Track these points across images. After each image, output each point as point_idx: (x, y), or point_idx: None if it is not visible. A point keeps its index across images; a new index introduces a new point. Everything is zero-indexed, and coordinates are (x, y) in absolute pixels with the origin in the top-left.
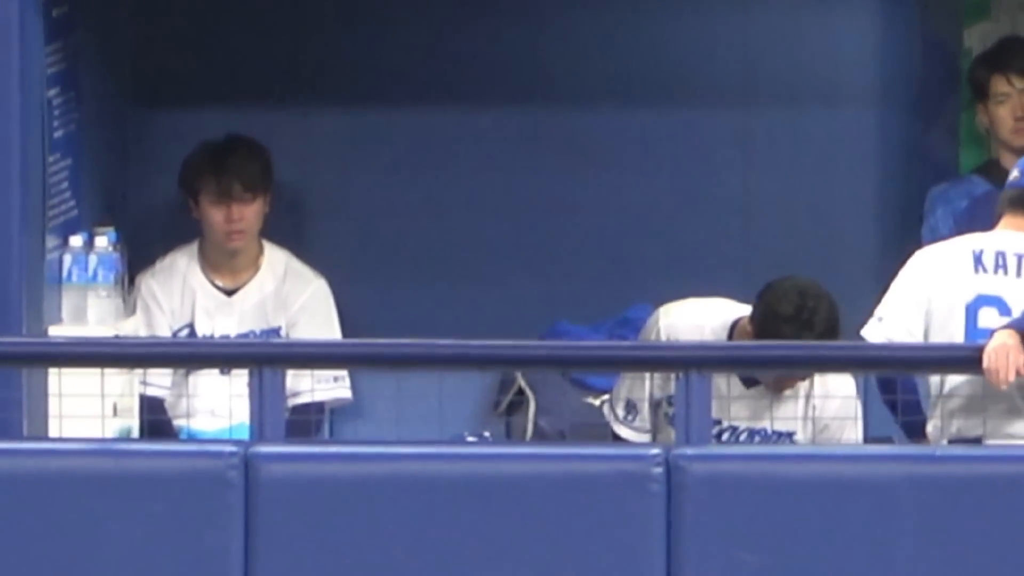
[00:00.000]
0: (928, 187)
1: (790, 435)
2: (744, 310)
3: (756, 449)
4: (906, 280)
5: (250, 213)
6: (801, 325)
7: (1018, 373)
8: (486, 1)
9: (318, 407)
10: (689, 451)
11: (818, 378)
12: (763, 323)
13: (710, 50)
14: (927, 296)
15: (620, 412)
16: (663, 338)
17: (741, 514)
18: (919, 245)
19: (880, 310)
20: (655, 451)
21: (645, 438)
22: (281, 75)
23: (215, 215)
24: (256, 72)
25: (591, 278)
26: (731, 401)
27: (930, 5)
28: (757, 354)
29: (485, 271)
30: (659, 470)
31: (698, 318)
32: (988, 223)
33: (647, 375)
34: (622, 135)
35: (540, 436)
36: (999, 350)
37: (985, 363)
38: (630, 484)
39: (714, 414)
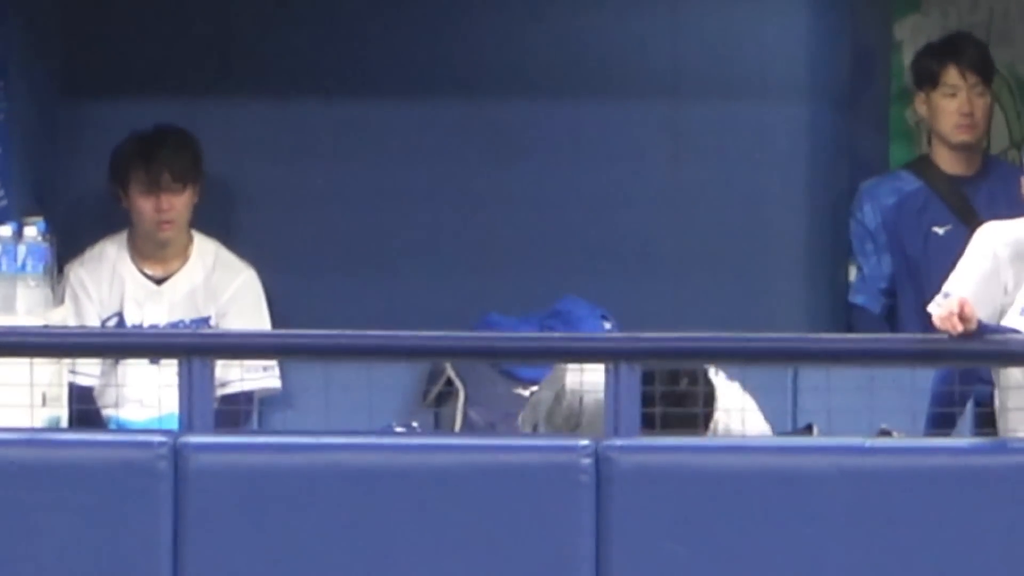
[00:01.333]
0: (857, 182)
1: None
2: None
3: (686, 441)
4: (973, 254)
5: (180, 203)
6: None
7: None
8: None
9: (247, 397)
10: (618, 442)
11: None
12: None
13: (639, 43)
14: (995, 268)
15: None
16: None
17: (671, 505)
18: (848, 240)
19: (947, 285)
20: (584, 442)
21: None
22: (211, 65)
23: (145, 205)
24: (186, 62)
25: (521, 270)
26: None
27: None
28: (688, 346)
29: (415, 262)
30: (588, 461)
31: None
32: (915, 219)
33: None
34: (551, 127)
35: (469, 427)
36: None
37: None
38: (559, 475)
39: None
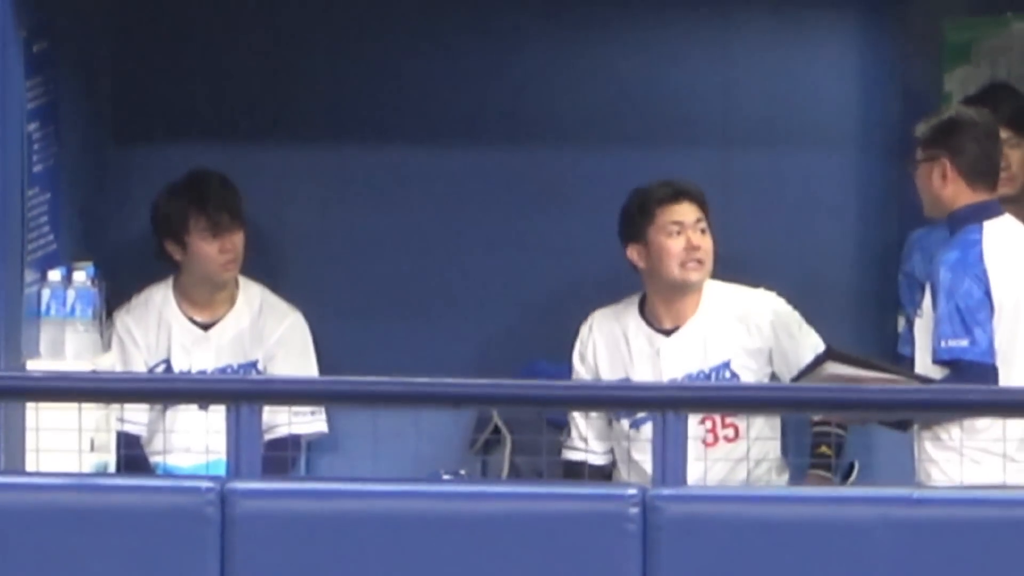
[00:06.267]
0: (906, 231)
1: (727, 364)
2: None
3: (732, 490)
4: None
5: (239, 242)
6: (673, 188)
7: None
8: (464, 41)
9: (295, 441)
10: (665, 491)
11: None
12: (635, 204)
13: (690, 91)
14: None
15: (563, 439)
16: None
17: (716, 555)
18: (896, 290)
19: None
20: (632, 491)
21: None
22: (257, 113)
23: (209, 249)
24: (233, 110)
25: (569, 317)
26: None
27: (910, 49)
28: (734, 395)
29: (463, 308)
30: (635, 510)
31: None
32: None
33: None
34: (600, 175)
35: (516, 475)
36: None
37: None
38: (606, 524)
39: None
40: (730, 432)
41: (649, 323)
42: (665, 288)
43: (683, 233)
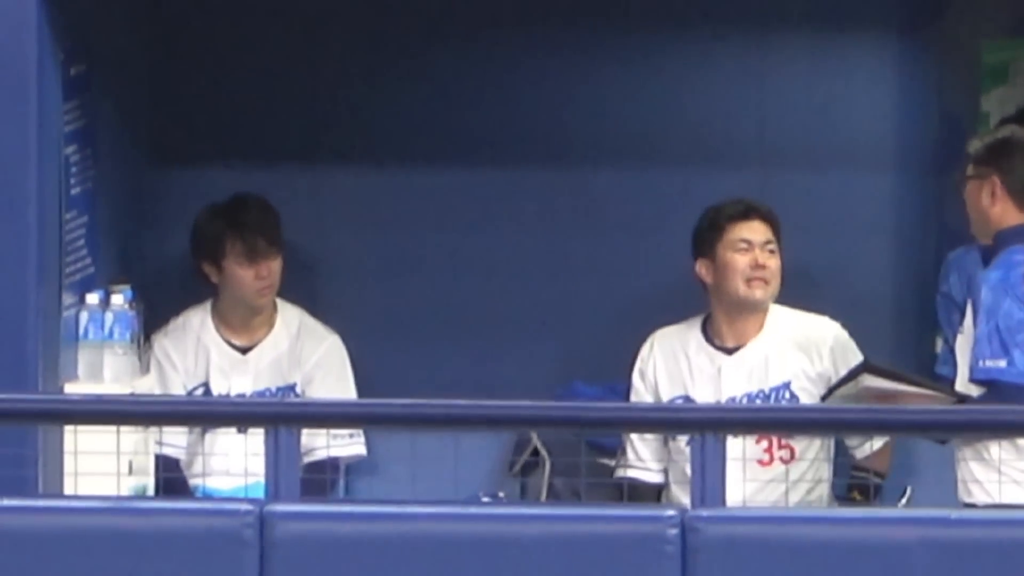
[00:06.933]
0: (944, 252)
1: (787, 385)
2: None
3: (771, 511)
4: None
5: (276, 268)
6: (744, 206)
7: None
8: (502, 63)
9: (333, 464)
10: (704, 513)
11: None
12: (707, 220)
13: (726, 113)
14: None
15: (618, 458)
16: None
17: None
18: (934, 310)
19: None
20: (670, 512)
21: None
22: (294, 135)
23: (245, 274)
24: (269, 132)
25: (607, 338)
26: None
27: (947, 70)
28: (772, 416)
29: (501, 330)
30: (674, 531)
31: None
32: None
33: None
34: (638, 196)
35: (555, 497)
36: None
37: None
38: (645, 545)
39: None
40: (786, 453)
41: (711, 342)
42: (729, 305)
43: (751, 251)
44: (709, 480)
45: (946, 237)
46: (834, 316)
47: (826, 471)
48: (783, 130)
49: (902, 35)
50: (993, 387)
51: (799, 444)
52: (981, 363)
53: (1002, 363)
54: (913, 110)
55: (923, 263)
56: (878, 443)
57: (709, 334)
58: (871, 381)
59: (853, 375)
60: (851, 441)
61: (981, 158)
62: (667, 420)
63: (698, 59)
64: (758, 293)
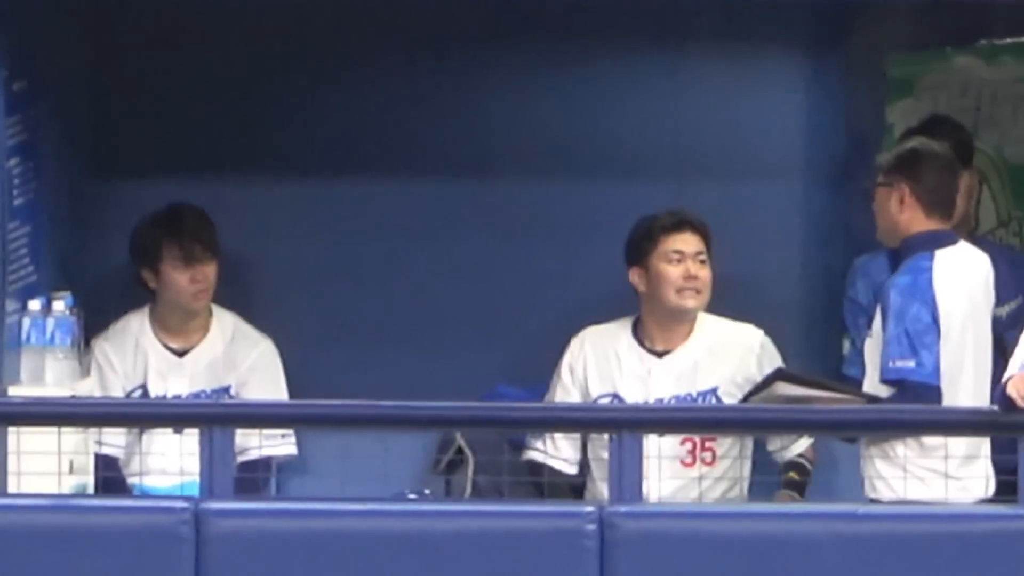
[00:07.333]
0: (850, 258)
1: (714, 391)
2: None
3: (686, 507)
4: None
5: (211, 273)
6: (677, 218)
7: None
8: (432, 76)
9: (265, 463)
10: (622, 508)
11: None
12: (641, 230)
13: (643, 125)
14: None
15: (528, 440)
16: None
17: (672, 570)
18: (841, 313)
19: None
20: (589, 508)
21: (561, 459)
22: (231, 147)
23: (180, 278)
24: (207, 145)
25: (538, 344)
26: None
27: (854, 83)
28: (688, 416)
29: (426, 335)
30: (592, 527)
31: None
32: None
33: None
34: (559, 206)
35: (478, 494)
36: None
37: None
38: (565, 540)
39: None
40: (707, 456)
41: (641, 344)
42: (661, 313)
43: (683, 262)
44: (627, 477)
45: (853, 244)
46: (745, 319)
47: (746, 469)
48: (697, 142)
49: (811, 50)
50: (902, 386)
51: (721, 446)
52: (891, 363)
53: (911, 363)
54: (821, 122)
55: (831, 269)
56: (805, 441)
57: (640, 336)
58: (785, 388)
59: (768, 382)
60: (772, 445)
61: (891, 167)
62: (584, 420)
63: (616, 73)
64: (690, 303)
